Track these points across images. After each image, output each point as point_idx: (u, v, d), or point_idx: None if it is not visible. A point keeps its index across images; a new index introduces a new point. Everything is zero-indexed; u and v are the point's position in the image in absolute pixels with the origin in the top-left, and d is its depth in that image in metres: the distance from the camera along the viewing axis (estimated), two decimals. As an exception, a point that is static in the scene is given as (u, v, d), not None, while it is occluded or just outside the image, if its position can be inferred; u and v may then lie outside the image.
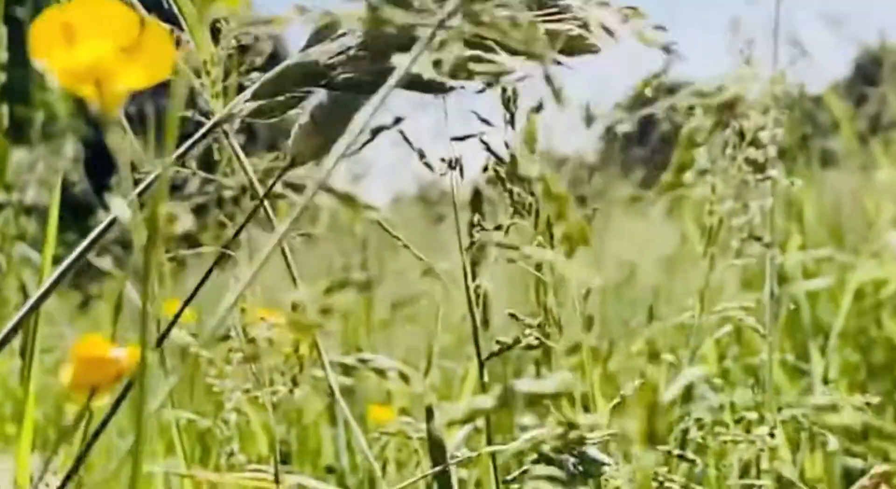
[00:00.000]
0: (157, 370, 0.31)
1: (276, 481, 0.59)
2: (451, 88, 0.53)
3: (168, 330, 0.58)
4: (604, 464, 0.55)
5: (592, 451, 0.55)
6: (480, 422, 0.65)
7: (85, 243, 0.49)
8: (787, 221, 1.67)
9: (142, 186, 0.51)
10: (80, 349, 0.32)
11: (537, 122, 0.62)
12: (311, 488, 0.61)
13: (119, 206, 0.33)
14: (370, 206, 0.52)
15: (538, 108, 0.43)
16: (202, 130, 0.56)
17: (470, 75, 0.45)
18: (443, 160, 0.59)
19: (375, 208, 0.53)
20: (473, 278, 0.60)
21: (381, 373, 0.59)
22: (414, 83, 0.41)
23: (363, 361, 0.63)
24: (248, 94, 0.57)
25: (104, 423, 0.52)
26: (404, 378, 0.60)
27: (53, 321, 1.50)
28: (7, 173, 1.38)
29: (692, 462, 0.66)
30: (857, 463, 0.99)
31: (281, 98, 0.56)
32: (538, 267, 0.61)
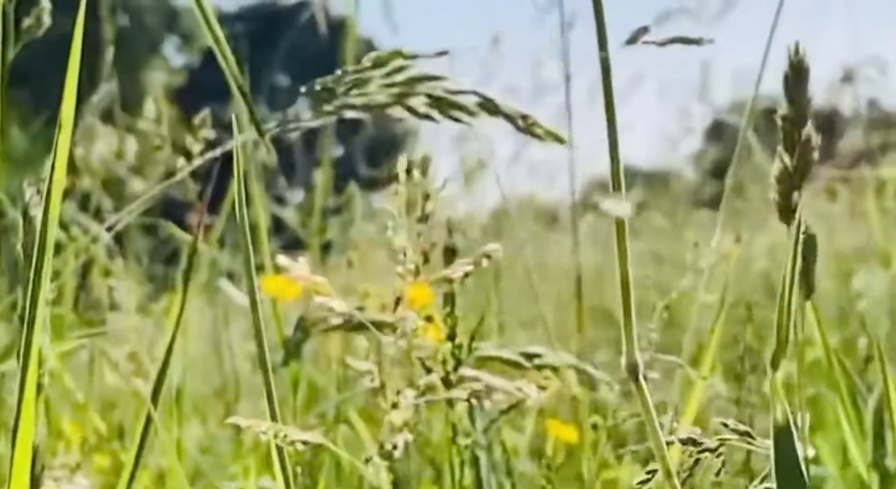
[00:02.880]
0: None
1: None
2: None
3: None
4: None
5: None
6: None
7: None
8: None
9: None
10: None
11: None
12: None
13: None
14: (555, 135, 0.38)
15: None
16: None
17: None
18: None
19: (560, 138, 0.39)
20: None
21: (555, 370, 0.44)
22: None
23: (529, 356, 0.48)
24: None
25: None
26: (587, 379, 0.45)
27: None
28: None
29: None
30: None
31: None
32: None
